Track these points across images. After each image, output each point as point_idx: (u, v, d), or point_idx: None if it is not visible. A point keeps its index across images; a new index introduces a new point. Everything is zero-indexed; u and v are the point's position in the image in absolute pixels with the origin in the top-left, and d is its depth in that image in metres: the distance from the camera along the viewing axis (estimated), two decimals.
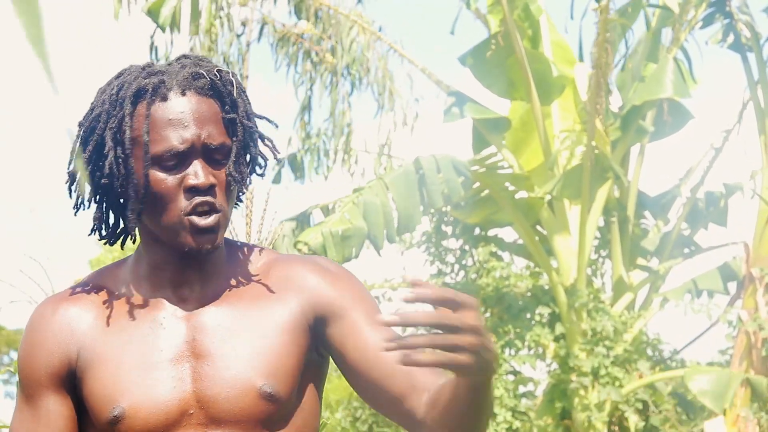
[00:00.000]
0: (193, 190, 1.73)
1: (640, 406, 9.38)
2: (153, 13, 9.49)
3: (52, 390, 1.77)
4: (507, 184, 9.28)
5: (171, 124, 1.73)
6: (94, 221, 1.82)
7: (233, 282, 1.81)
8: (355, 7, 10.61)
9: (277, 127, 1.88)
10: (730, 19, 9.27)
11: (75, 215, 1.83)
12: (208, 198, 1.73)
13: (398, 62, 10.54)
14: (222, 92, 1.77)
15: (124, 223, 1.82)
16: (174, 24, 9.61)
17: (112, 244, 1.85)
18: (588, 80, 8.91)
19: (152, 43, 10.39)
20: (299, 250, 7.90)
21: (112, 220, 1.82)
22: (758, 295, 9.06)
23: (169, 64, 1.80)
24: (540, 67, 8.93)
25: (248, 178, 1.81)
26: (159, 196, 1.73)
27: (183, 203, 1.73)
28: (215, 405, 1.72)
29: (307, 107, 10.90)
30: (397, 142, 10.96)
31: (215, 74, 1.77)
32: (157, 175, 1.73)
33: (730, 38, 9.26)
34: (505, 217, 9.50)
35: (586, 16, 9.44)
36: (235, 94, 1.78)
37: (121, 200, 1.78)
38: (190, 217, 1.73)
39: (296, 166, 10.88)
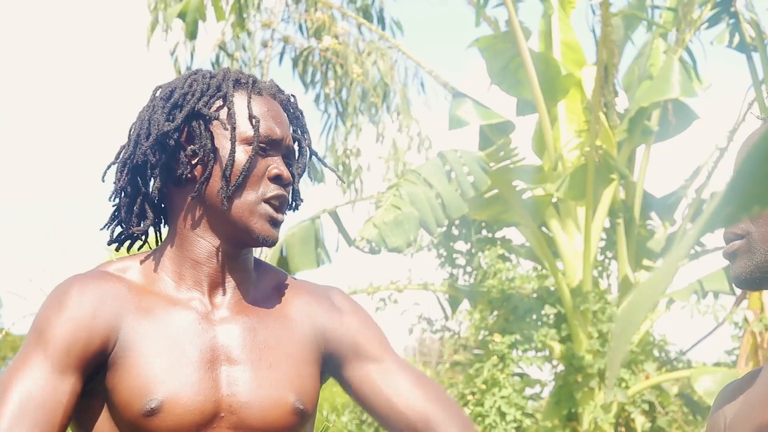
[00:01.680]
0: (277, 180, 1.79)
1: (646, 407, 9.37)
2: (182, 15, 9.67)
3: (78, 367, 1.68)
4: (516, 183, 9.25)
5: (269, 115, 1.82)
6: (127, 214, 1.82)
7: (261, 296, 1.85)
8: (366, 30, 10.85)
9: (326, 167, 1.97)
10: (735, 20, 9.25)
11: (110, 200, 1.83)
12: (285, 192, 1.81)
13: (404, 63, 10.66)
14: (291, 114, 1.89)
15: (166, 211, 1.85)
16: (196, 28, 9.77)
17: (130, 246, 1.86)
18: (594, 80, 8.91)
19: (175, 59, 10.65)
20: (357, 247, 7.85)
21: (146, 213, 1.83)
22: (764, 295, 9.05)
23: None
24: (547, 68, 8.94)
25: (299, 200, 1.90)
26: (247, 176, 1.78)
27: (266, 189, 1.79)
28: (247, 412, 1.74)
29: (334, 122, 11.16)
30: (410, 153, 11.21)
31: (290, 96, 1.90)
32: (249, 155, 1.78)
33: (736, 39, 9.25)
34: (512, 216, 9.49)
35: (595, 16, 9.41)
36: (303, 122, 1.91)
37: (193, 179, 1.79)
38: (268, 204, 1.79)
39: (312, 170, 11.08)
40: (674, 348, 10.20)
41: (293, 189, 1.87)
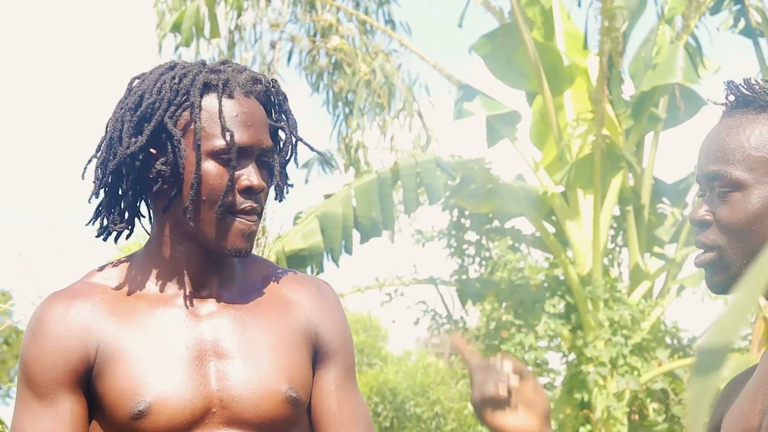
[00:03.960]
0: (247, 191, 1.75)
1: (659, 394, 9.37)
2: (177, 27, 9.76)
3: (69, 388, 1.73)
4: (504, 179, 9.27)
5: (238, 121, 1.75)
6: (108, 213, 1.81)
7: (248, 288, 1.84)
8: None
9: (314, 150, 1.94)
10: (740, 5, 9.23)
11: (89, 201, 1.82)
12: (257, 204, 1.77)
13: (409, 62, 10.81)
14: (273, 101, 1.83)
15: (151, 216, 1.84)
16: (197, 35, 9.88)
17: (116, 238, 1.85)
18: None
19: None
20: None
21: (128, 212, 1.82)
22: None
23: (221, 63, 1.82)
24: (550, 58, 8.93)
25: (287, 187, 1.86)
26: (214, 191, 1.74)
27: (234, 202, 1.75)
28: (239, 405, 1.74)
29: (344, 121, 11.33)
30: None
31: (269, 82, 1.82)
32: (217, 168, 1.74)
33: (741, 24, 9.22)
34: (515, 208, 9.51)
35: (593, 5, 9.41)
36: (286, 107, 1.85)
37: (159, 192, 1.78)
38: (238, 217, 1.75)
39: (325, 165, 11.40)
40: (686, 335, 10.20)
41: (281, 174, 1.84)
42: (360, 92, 10.71)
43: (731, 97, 1.60)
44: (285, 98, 1.85)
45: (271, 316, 1.82)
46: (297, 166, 1.89)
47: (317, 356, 1.84)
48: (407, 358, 19.09)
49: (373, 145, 11.25)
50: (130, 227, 1.84)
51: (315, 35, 11.25)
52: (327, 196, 8.81)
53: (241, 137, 1.75)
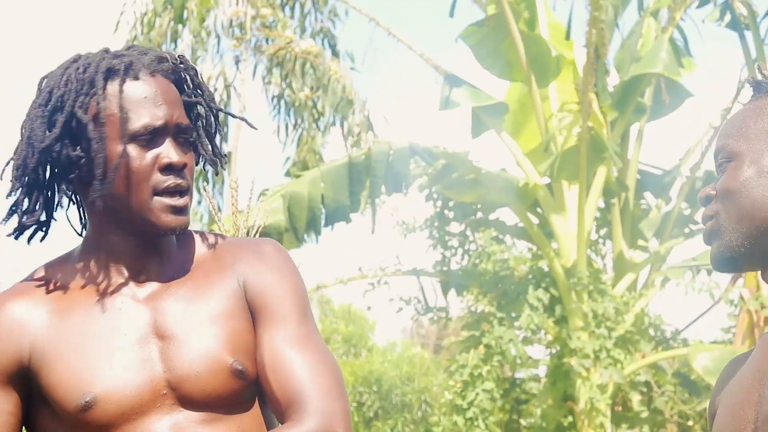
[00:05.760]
0: (168, 168, 1.75)
1: (643, 386, 9.39)
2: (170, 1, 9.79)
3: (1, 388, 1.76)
4: (487, 169, 9.26)
5: (145, 102, 1.74)
6: (25, 211, 1.79)
7: (188, 264, 1.83)
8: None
9: (235, 117, 1.95)
10: None
11: (7, 198, 1.81)
12: (181, 180, 1.76)
13: (395, 47, 10.90)
14: (183, 77, 1.82)
15: (80, 208, 1.84)
16: (182, 12, 9.94)
17: (30, 238, 1.83)
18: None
19: None
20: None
21: (52, 207, 1.81)
22: (759, 273, 9.05)
23: (127, 48, 1.81)
24: (537, 49, 8.92)
25: (219, 160, 1.85)
26: (133, 173, 1.74)
27: (157, 182, 1.74)
28: (187, 384, 1.73)
29: (308, 126, 11.52)
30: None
31: (176, 59, 1.81)
32: (133, 152, 1.74)
33: (727, 17, 9.23)
34: (499, 198, 9.51)
35: None
36: (198, 81, 1.83)
37: (83, 183, 1.77)
38: (162, 197, 1.75)
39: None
40: (670, 327, 10.22)
41: (213, 149, 1.84)
42: (335, 91, 10.81)
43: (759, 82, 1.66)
44: (195, 72, 1.84)
45: (210, 287, 1.80)
46: (221, 138, 1.86)
47: (256, 315, 1.80)
48: (392, 349, 19.11)
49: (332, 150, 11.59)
50: (45, 227, 1.82)
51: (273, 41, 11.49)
52: (296, 176, 8.82)
53: (151, 117, 1.74)
